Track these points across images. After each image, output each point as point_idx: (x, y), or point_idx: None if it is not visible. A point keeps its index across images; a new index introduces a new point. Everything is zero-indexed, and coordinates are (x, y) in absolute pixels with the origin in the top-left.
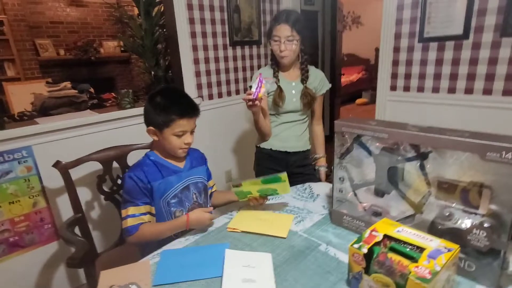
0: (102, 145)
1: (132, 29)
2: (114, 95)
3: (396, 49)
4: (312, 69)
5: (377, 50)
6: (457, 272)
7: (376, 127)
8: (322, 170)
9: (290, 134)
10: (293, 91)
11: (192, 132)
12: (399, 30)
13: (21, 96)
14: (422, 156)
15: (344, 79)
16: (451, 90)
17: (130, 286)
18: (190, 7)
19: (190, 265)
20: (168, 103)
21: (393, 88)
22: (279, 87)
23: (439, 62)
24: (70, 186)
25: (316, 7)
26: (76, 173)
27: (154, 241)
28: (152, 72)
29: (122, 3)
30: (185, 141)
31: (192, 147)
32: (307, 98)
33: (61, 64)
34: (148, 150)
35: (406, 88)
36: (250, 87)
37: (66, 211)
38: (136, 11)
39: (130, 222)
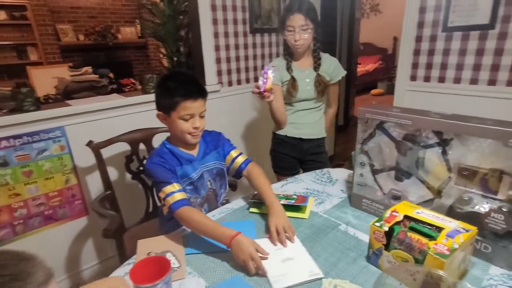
0: (128, 127)
1: (155, 15)
2: (132, 80)
3: (418, 38)
4: (325, 56)
5: (395, 39)
6: (473, 253)
7: (400, 114)
8: None
9: (305, 121)
10: (307, 79)
11: (201, 116)
12: (422, 19)
13: (43, 80)
14: (444, 143)
15: (360, 69)
16: (474, 81)
17: (165, 253)
18: None
19: None
20: (173, 86)
21: (413, 78)
22: (292, 77)
23: (462, 52)
24: (101, 165)
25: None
26: (105, 153)
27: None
28: (175, 58)
29: None
30: (194, 125)
31: (206, 129)
32: (321, 85)
33: (80, 49)
34: (164, 140)
35: (427, 78)
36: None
37: (94, 188)
38: None
39: (170, 200)
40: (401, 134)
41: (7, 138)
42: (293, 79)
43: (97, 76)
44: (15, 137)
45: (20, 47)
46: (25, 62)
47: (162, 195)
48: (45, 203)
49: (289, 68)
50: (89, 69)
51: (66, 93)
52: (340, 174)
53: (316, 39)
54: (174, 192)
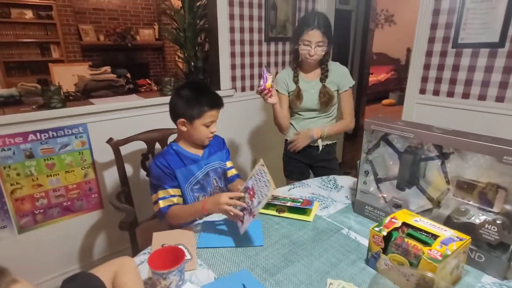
0: (145, 127)
1: (176, 21)
2: (148, 81)
3: (429, 53)
4: (334, 66)
5: (408, 50)
6: (467, 262)
7: (403, 127)
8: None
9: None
10: (312, 90)
11: (215, 121)
12: (433, 35)
13: (64, 77)
14: (444, 156)
15: (372, 78)
16: (482, 97)
17: (178, 245)
18: (231, 3)
19: (230, 234)
20: (199, 96)
21: (423, 91)
22: (297, 87)
23: (471, 68)
24: (119, 161)
25: (350, 6)
26: (123, 150)
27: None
28: (192, 63)
29: None
30: (212, 130)
31: None
32: (325, 97)
33: (100, 48)
34: (172, 142)
35: (436, 92)
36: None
37: (110, 183)
38: (175, 2)
39: (161, 204)
40: (404, 146)
41: (34, 132)
42: (298, 89)
43: (115, 75)
44: (41, 131)
45: (44, 45)
46: (47, 59)
47: (154, 197)
48: (64, 195)
49: (295, 78)
50: (108, 68)
51: (85, 91)
52: (345, 181)
53: (327, 53)
54: (166, 197)
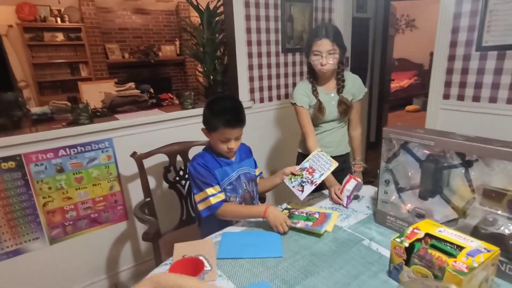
0: (167, 140)
1: (196, 38)
2: (170, 95)
3: (451, 57)
4: (348, 75)
5: (432, 54)
6: (498, 275)
7: (423, 135)
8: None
9: (331, 140)
10: (332, 102)
11: (237, 139)
12: (455, 39)
13: (92, 94)
14: (467, 164)
15: (394, 85)
16: (510, 100)
17: (199, 256)
18: (248, 17)
19: (249, 245)
20: (217, 112)
21: (446, 96)
22: (318, 101)
23: (498, 71)
24: (142, 174)
25: (368, 14)
26: (146, 163)
27: (216, 226)
28: (211, 76)
29: (180, 10)
30: (229, 146)
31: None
32: (343, 106)
33: (125, 66)
34: (205, 146)
35: (460, 97)
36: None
37: (134, 195)
38: (194, 19)
39: (213, 200)
40: (424, 154)
41: (64, 148)
42: (319, 103)
43: (139, 91)
44: (70, 147)
45: (74, 65)
46: (76, 78)
47: (202, 195)
48: (92, 207)
49: (315, 91)
50: (132, 84)
51: (112, 107)
52: (367, 191)
53: (341, 62)
54: (215, 194)
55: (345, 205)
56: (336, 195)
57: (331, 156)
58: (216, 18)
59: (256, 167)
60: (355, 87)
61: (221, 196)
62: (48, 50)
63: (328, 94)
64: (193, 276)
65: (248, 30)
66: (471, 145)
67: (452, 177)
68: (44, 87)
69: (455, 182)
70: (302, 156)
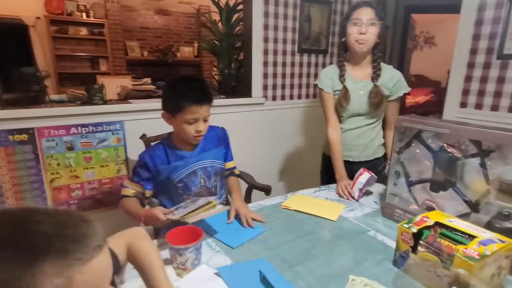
0: None
1: (213, 32)
2: None
3: (470, 65)
4: (388, 68)
5: (449, 72)
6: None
7: (438, 123)
8: None
9: (355, 143)
10: (361, 92)
11: (205, 120)
12: (475, 46)
13: (109, 88)
14: (483, 153)
15: (410, 100)
16: None
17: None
18: (266, 14)
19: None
20: (181, 89)
21: (464, 105)
22: (344, 87)
23: None
24: None
25: (387, 22)
26: None
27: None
28: (226, 71)
29: (202, 11)
30: (197, 128)
31: (212, 125)
32: (377, 97)
33: (143, 63)
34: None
35: (478, 106)
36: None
37: None
38: (215, 15)
39: (122, 191)
40: (438, 145)
41: (76, 126)
42: (345, 89)
43: (154, 87)
44: (82, 125)
45: (94, 59)
46: (96, 72)
47: (124, 182)
48: (98, 188)
49: (342, 77)
50: (148, 80)
51: (126, 99)
52: (375, 187)
53: (378, 48)
54: (128, 187)
55: (356, 198)
56: (347, 189)
57: (355, 162)
58: (235, 15)
59: (230, 159)
60: (393, 82)
61: (128, 192)
62: (71, 43)
63: (358, 83)
64: (191, 242)
65: (266, 27)
66: (488, 131)
67: (467, 170)
68: (64, 78)
69: (469, 175)
70: (325, 157)
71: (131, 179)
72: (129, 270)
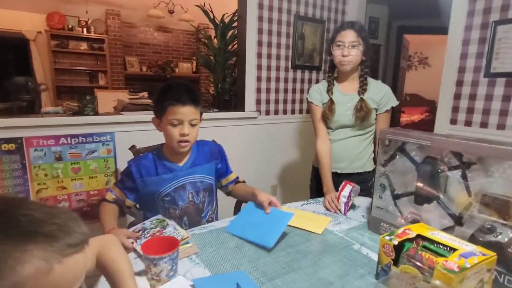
0: None
1: (208, 47)
2: None
3: (459, 83)
4: (375, 83)
5: None
6: (495, 287)
7: (419, 135)
8: None
9: (343, 154)
10: (348, 104)
11: (192, 124)
12: (463, 64)
13: (106, 101)
14: (464, 165)
15: (405, 119)
16: None
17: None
18: (260, 31)
19: (256, 225)
20: (165, 88)
21: (453, 122)
22: (330, 100)
23: (506, 98)
24: None
25: (379, 41)
26: None
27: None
28: (220, 85)
29: (200, 31)
30: (181, 131)
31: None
32: (362, 110)
33: (142, 78)
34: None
35: (468, 123)
36: None
37: None
38: (213, 33)
39: (106, 194)
40: (422, 156)
41: (65, 136)
42: (331, 101)
43: (151, 101)
44: (72, 136)
45: (93, 73)
46: (94, 86)
47: (110, 186)
48: (85, 200)
49: (329, 91)
50: (145, 94)
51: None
52: (362, 201)
53: (364, 64)
54: (113, 192)
55: (343, 212)
56: (334, 202)
57: (343, 173)
58: (230, 31)
59: (230, 171)
60: (381, 95)
61: (110, 196)
62: (71, 57)
63: (345, 96)
64: (168, 251)
65: (260, 43)
66: (468, 143)
67: (450, 182)
68: (62, 91)
69: (452, 187)
70: (315, 170)
71: (115, 184)
72: (103, 283)
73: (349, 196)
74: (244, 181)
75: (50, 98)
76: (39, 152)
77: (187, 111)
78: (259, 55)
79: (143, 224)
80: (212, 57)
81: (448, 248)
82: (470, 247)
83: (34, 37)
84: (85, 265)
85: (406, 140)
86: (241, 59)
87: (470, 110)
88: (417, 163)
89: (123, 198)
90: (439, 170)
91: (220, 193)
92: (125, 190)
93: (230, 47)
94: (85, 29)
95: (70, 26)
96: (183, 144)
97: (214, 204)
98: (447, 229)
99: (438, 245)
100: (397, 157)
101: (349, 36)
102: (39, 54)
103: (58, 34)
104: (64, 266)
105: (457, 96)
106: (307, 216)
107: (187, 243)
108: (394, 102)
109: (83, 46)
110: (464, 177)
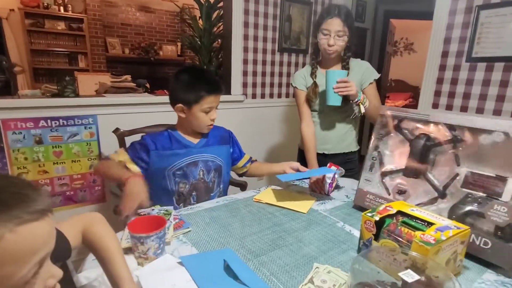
0: (154, 123)
1: (193, 28)
2: (166, 92)
3: (442, 67)
4: (355, 62)
5: None
6: (470, 250)
7: (418, 111)
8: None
9: (330, 135)
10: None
11: (216, 108)
12: (446, 49)
13: (87, 85)
14: (456, 139)
15: (389, 104)
16: (497, 112)
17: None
18: (246, 12)
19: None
20: (198, 81)
21: (435, 105)
22: (314, 83)
23: (486, 82)
24: None
25: (366, 25)
26: (128, 142)
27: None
28: (205, 67)
29: (184, 11)
30: (211, 117)
31: (217, 125)
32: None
33: (124, 61)
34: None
35: (449, 107)
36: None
37: None
38: (198, 13)
39: (111, 155)
40: (415, 134)
41: (45, 119)
42: (315, 84)
43: (134, 84)
44: (52, 118)
45: (72, 55)
46: (74, 68)
47: (117, 149)
48: (68, 184)
49: (313, 74)
50: (128, 77)
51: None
52: (347, 182)
53: (348, 48)
54: (117, 152)
55: (327, 193)
56: (318, 183)
57: (330, 154)
58: (216, 12)
59: (243, 153)
60: (361, 72)
61: (115, 157)
62: (48, 38)
63: None
64: (153, 230)
65: (246, 25)
66: (463, 118)
67: (439, 158)
68: (40, 74)
69: (441, 162)
70: (301, 152)
71: (125, 150)
72: (90, 261)
73: (333, 178)
74: (256, 160)
75: (27, 81)
76: (18, 135)
77: (218, 99)
78: (246, 37)
79: (152, 209)
80: (197, 38)
81: (426, 223)
82: (446, 221)
83: (6, 15)
84: (50, 234)
85: (405, 116)
86: (227, 41)
87: (452, 94)
88: (411, 139)
89: (127, 163)
90: (432, 144)
91: None
92: (136, 159)
93: (215, 28)
94: (62, 8)
95: (45, 4)
96: (210, 126)
97: (221, 186)
98: (430, 201)
99: (417, 221)
100: (392, 133)
101: (335, 25)
102: (13, 33)
103: (33, 12)
104: (18, 234)
105: (440, 81)
106: (292, 196)
107: (188, 227)
108: (376, 75)
109: (61, 26)
110: (455, 147)
